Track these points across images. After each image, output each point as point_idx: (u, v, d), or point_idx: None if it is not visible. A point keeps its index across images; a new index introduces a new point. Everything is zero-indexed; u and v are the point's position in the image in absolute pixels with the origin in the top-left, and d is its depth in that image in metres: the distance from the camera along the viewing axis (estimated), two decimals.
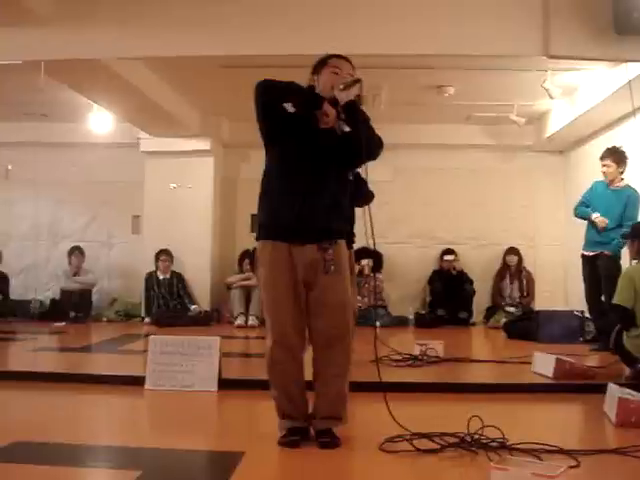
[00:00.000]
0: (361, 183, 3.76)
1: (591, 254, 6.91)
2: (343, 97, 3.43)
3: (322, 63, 3.57)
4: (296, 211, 3.38)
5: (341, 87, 3.42)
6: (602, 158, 6.88)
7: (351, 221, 3.95)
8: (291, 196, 3.40)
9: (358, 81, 3.45)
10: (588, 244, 6.96)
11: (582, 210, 7.05)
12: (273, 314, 3.47)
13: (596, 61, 6.43)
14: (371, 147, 3.46)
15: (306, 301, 3.44)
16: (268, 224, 3.50)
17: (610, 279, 6.29)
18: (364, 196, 3.72)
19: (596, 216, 6.80)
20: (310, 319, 3.45)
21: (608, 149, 6.91)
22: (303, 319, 3.45)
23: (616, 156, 6.80)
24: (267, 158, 3.58)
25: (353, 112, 3.46)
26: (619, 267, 6.42)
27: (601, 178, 6.98)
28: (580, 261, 7.14)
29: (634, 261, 5.66)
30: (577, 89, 8.06)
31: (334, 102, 3.44)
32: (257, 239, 3.53)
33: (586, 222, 6.99)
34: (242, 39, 5.76)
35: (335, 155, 3.43)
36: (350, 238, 3.73)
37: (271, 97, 3.48)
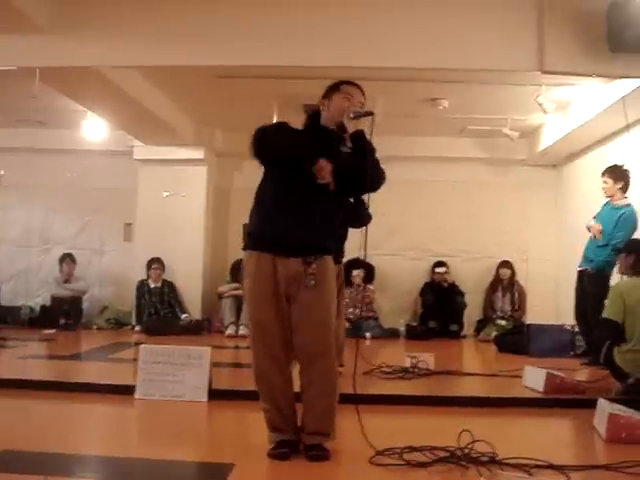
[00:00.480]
0: (361, 206, 3.75)
1: (580, 269, 6.95)
2: (351, 126, 3.44)
3: (334, 88, 3.57)
4: (284, 224, 3.37)
5: (351, 115, 3.44)
6: (602, 175, 6.92)
7: (342, 239, 3.94)
8: (282, 210, 3.40)
9: (371, 114, 3.45)
10: (581, 259, 6.99)
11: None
12: (257, 324, 3.47)
13: (590, 77, 6.45)
14: (374, 179, 3.46)
15: (289, 315, 3.43)
16: (256, 235, 3.50)
17: (594, 296, 6.33)
18: (363, 220, 3.72)
19: (592, 223, 6.82)
20: (292, 334, 3.43)
21: (608, 166, 6.95)
22: (287, 331, 3.43)
23: (614, 173, 6.83)
24: (264, 172, 3.57)
25: (360, 142, 3.46)
26: (605, 284, 6.42)
27: (600, 195, 7.00)
28: (572, 275, 7.16)
29: (624, 276, 5.68)
30: (570, 104, 8.10)
31: (342, 129, 3.45)
32: (244, 249, 3.53)
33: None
34: (237, 49, 5.76)
35: (337, 182, 3.41)
36: (338, 255, 3.72)
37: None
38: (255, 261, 3.45)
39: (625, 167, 6.84)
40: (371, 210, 3.92)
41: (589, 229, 6.85)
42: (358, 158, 3.42)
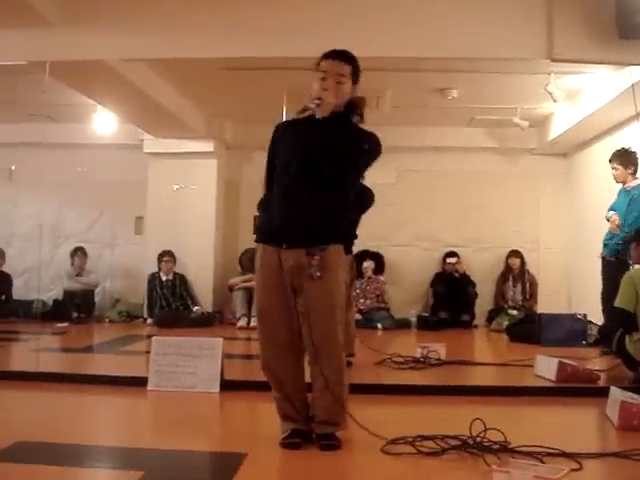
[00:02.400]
0: (361, 191, 3.70)
1: (605, 257, 6.89)
2: (318, 111, 3.37)
3: (317, 66, 3.50)
4: (285, 215, 3.37)
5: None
6: (610, 161, 6.88)
7: (352, 227, 3.90)
8: (282, 201, 3.40)
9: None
10: (603, 246, 6.93)
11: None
12: (263, 317, 3.49)
13: (599, 64, 6.43)
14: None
15: (296, 307, 3.43)
16: (261, 228, 3.53)
17: (609, 282, 6.29)
18: (366, 203, 3.69)
19: (610, 214, 6.77)
20: (300, 325, 3.43)
21: (615, 152, 6.90)
22: (294, 323, 3.43)
23: (622, 158, 6.79)
24: None
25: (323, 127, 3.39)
26: (620, 270, 6.38)
27: (611, 184, 6.96)
28: (584, 264, 7.12)
29: (637, 265, 5.66)
30: (580, 92, 8.06)
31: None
32: (255, 242, 3.56)
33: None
34: (245, 41, 5.76)
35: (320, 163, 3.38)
36: (348, 245, 3.67)
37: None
38: (262, 253, 3.47)
39: (632, 149, 6.79)
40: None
41: (608, 220, 6.80)
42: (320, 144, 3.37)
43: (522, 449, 3.24)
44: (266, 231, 3.48)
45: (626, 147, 6.87)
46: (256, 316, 3.56)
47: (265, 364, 3.50)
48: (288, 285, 3.40)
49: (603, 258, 6.84)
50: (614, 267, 6.49)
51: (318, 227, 3.41)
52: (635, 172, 6.76)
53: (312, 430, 3.47)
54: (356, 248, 5.28)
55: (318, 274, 3.33)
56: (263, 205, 3.54)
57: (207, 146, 9.89)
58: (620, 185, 6.93)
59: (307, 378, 3.54)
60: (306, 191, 3.37)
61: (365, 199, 3.65)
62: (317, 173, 3.36)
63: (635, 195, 6.63)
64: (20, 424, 3.93)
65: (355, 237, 4.27)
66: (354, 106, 3.53)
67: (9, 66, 6.49)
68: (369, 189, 3.68)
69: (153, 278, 9.79)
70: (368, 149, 3.44)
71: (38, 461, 3.17)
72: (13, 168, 10.31)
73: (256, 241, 3.53)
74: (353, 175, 3.51)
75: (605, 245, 6.78)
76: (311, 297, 3.37)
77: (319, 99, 3.36)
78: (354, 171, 3.49)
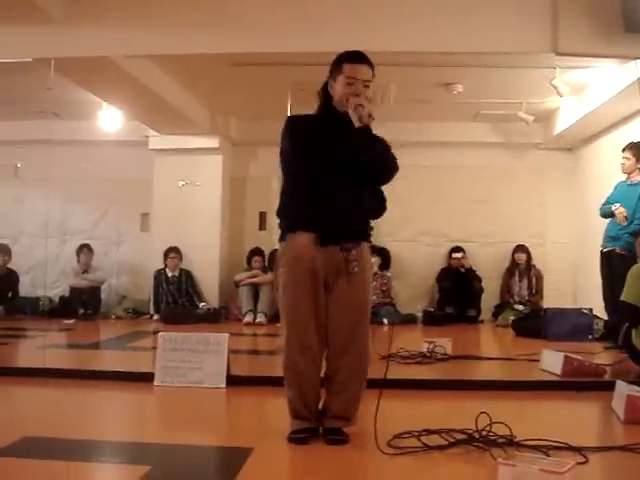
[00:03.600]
0: (378, 196, 3.69)
1: (604, 250, 6.89)
2: (356, 120, 3.35)
3: (338, 67, 3.45)
4: (319, 213, 3.35)
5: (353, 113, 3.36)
6: (623, 150, 6.89)
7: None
8: (315, 199, 3.36)
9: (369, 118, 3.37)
10: (604, 240, 6.94)
11: (604, 208, 6.98)
12: (292, 314, 3.43)
13: (605, 58, 6.42)
14: (380, 173, 3.47)
15: (325, 303, 3.41)
16: (291, 226, 3.46)
17: (622, 277, 6.26)
18: (380, 210, 3.68)
19: (616, 207, 6.76)
20: (328, 321, 3.41)
21: (630, 142, 6.93)
22: (322, 320, 3.41)
23: (635, 149, 6.79)
24: (288, 164, 3.52)
25: (362, 139, 3.39)
26: (630, 264, 6.37)
27: (617, 177, 6.95)
28: (590, 258, 7.11)
29: None
30: (586, 86, 8.05)
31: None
32: (280, 240, 3.50)
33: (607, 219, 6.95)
34: (250, 37, 5.77)
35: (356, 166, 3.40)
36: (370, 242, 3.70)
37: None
38: (292, 250, 3.41)
39: None
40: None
41: (613, 213, 6.79)
42: (361, 154, 3.38)
43: (528, 443, 3.24)
44: (298, 229, 3.41)
45: None
46: (283, 314, 3.48)
47: (289, 362, 3.44)
48: (321, 282, 3.39)
49: (608, 252, 6.82)
50: (626, 261, 6.47)
51: (354, 225, 3.44)
52: None
53: (321, 424, 3.47)
54: None
55: (356, 269, 3.35)
56: (290, 202, 3.47)
57: (212, 142, 9.91)
58: (620, 178, 6.97)
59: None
60: (343, 190, 3.38)
61: (382, 206, 3.67)
62: (354, 173, 3.38)
63: None
64: (28, 419, 3.95)
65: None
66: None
67: (14, 63, 6.49)
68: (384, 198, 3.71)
69: (159, 274, 9.82)
70: (397, 165, 3.56)
71: (46, 456, 3.18)
72: (19, 165, 10.33)
73: (284, 239, 3.47)
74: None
75: (615, 239, 6.76)
76: (346, 291, 3.37)
77: (362, 106, 3.35)
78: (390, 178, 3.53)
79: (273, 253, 9.13)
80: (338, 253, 3.36)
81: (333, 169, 3.38)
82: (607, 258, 6.87)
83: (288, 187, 3.50)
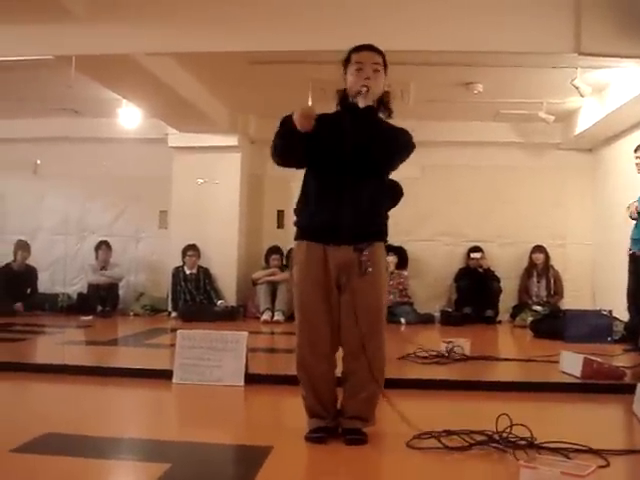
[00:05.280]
0: (393, 185, 3.66)
1: (630, 252, 6.82)
2: (361, 101, 3.34)
3: (347, 60, 3.48)
4: (332, 212, 3.34)
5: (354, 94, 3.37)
6: (635, 150, 6.84)
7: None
8: (328, 198, 3.36)
9: (359, 93, 3.34)
10: (631, 243, 6.87)
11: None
12: (304, 313, 3.44)
13: (627, 59, 6.37)
14: (384, 156, 3.40)
15: (338, 303, 3.41)
16: (305, 225, 3.47)
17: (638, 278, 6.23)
18: (398, 196, 3.65)
19: (632, 202, 6.72)
20: (342, 321, 3.40)
21: None
22: (335, 320, 3.41)
23: None
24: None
25: (365, 118, 3.38)
26: None
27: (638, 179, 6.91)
28: (610, 260, 7.06)
29: None
30: (607, 87, 8.00)
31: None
32: (295, 239, 3.51)
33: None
34: (270, 35, 5.78)
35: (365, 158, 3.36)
36: (386, 240, 3.66)
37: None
38: (305, 250, 3.43)
39: None
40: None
41: (629, 208, 6.74)
42: (364, 137, 3.34)
43: (549, 445, 3.21)
44: (311, 228, 3.43)
45: None
46: (296, 313, 3.49)
47: (301, 361, 3.45)
48: (333, 282, 3.38)
49: (633, 254, 6.78)
50: None
51: (368, 225, 3.41)
52: None
53: (339, 425, 3.47)
54: None
55: (370, 269, 3.33)
56: (304, 202, 3.48)
57: (231, 140, 9.93)
58: (635, 178, 6.91)
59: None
60: (357, 188, 3.34)
61: (397, 193, 3.62)
62: (364, 168, 3.34)
63: None
64: (49, 416, 3.97)
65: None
66: (384, 102, 3.50)
67: (35, 60, 6.54)
68: (398, 183, 3.64)
69: (177, 272, 9.85)
70: (410, 142, 3.48)
71: (66, 453, 3.19)
72: (39, 162, 10.39)
73: (298, 238, 3.48)
74: (395, 166, 3.51)
75: (636, 241, 6.70)
76: (359, 292, 3.35)
77: (366, 87, 3.33)
78: (398, 163, 3.49)
79: (290, 251, 9.14)
80: (351, 253, 3.35)
81: (346, 167, 3.32)
82: (633, 260, 6.81)
83: (302, 186, 3.53)
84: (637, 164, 6.83)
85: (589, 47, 5.47)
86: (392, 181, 3.58)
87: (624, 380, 5.08)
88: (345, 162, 3.32)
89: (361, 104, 3.35)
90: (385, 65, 3.48)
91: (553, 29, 5.51)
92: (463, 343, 6.14)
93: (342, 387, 3.49)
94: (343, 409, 3.48)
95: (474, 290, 9.75)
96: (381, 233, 3.50)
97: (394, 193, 3.59)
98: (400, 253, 9.96)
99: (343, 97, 3.52)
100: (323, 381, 3.46)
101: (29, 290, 10.06)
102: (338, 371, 3.52)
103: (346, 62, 3.49)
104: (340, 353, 3.49)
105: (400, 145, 3.45)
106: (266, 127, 10.07)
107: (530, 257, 10.01)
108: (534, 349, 6.95)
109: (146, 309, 10.02)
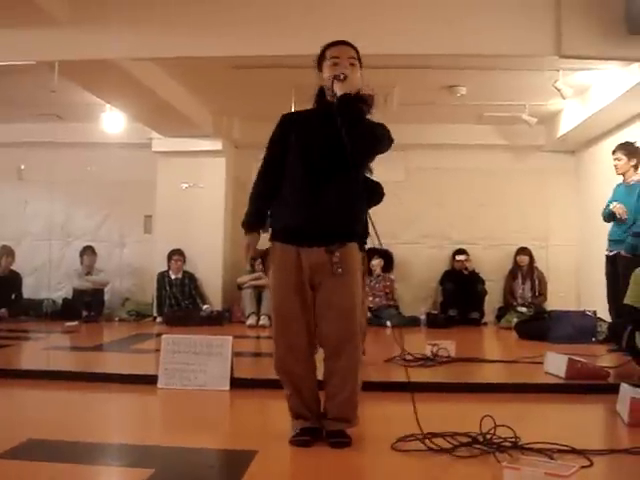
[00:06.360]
0: (372, 185, 3.65)
1: (610, 253, 6.87)
2: (337, 89, 3.32)
3: (321, 57, 3.49)
4: (304, 214, 3.35)
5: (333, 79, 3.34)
6: (613, 152, 6.89)
7: (365, 223, 3.85)
8: (299, 200, 3.37)
9: (337, 78, 3.32)
10: (609, 243, 6.92)
11: (605, 211, 6.95)
12: (280, 315, 3.47)
13: (608, 61, 6.41)
14: (363, 144, 3.34)
15: (313, 304, 3.42)
16: (278, 227, 3.49)
17: (626, 279, 6.24)
18: (378, 197, 3.64)
19: (614, 205, 6.75)
20: (317, 322, 3.42)
21: (619, 143, 6.92)
22: (311, 321, 3.42)
23: (626, 149, 6.80)
24: None
25: (343, 106, 3.32)
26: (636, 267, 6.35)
27: (618, 180, 6.95)
28: (593, 261, 7.10)
29: None
30: (589, 89, 8.05)
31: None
32: (269, 240, 3.52)
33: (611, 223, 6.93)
34: (253, 40, 5.78)
35: (338, 157, 3.33)
36: (363, 240, 3.65)
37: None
38: (279, 252, 3.45)
39: (638, 144, 6.79)
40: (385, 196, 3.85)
41: (613, 214, 6.77)
42: (343, 125, 3.28)
43: (532, 446, 3.23)
44: (284, 230, 3.45)
45: (631, 141, 6.88)
46: (272, 314, 3.54)
47: (279, 363, 3.48)
48: (307, 283, 3.39)
49: (613, 256, 6.81)
50: (630, 263, 6.44)
51: (339, 226, 3.40)
52: (637, 166, 6.77)
53: (323, 427, 3.47)
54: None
55: (340, 270, 3.33)
56: (277, 204, 3.48)
57: (215, 145, 9.92)
58: (618, 180, 6.98)
59: (319, 375, 3.54)
60: (328, 188, 3.35)
61: (377, 194, 3.60)
62: (339, 166, 3.33)
63: None
64: (32, 422, 3.94)
65: (368, 234, 4.24)
66: (364, 101, 3.47)
67: (18, 66, 6.51)
68: (379, 183, 3.63)
69: (162, 277, 9.83)
70: (387, 135, 3.46)
71: (49, 459, 3.18)
72: (23, 167, 10.35)
73: (272, 240, 3.50)
74: (372, 158, 3.49)
75: (619, 242, 6.73)
76: (331, 293, 3.36)
77: (343, 73, 3.33)
78: (374, 155, 3.47)
79: (266, 252, 9.14)
80: (323, 254, 3.35)
81: (321, 166, 3.34)
82: (612, 261, 6.85)
83: (279, 188, 3.50)
84: (615, 165, 6.88)
85: (570, 49, 5.50)
86: (373, 181, 3.58)
87: (608, 380, 5.10)
88: (314, 163, 3.34)
89: (338, 91, 3.33)
90: (359, 60, 3.48)
91: (534, 32, 5.54)
92: (448, 345, 6.16)
93: (324, 389, 3.49)
94: (326, 411, 3.48)
95: (459, 292, 9.78)
96: (354, 233, 3.47)
97: (374, 194, 3.58)
98: (386, 256, 9.96)
99: (319, 94, 3.53)
100: (303, 382, 3.47)
101: (14, 296, 10.00)
102: (320, 373, 3.52)
103: (320, 60, 3.50)
104: (321, 355, 3.50)
105: (377, 137, 3.44)
106: (250, 131, 10.20)
107: (515, 259, 10.05)
108: (519, 350, 6.97)
109: (131, 314, 9.99)
